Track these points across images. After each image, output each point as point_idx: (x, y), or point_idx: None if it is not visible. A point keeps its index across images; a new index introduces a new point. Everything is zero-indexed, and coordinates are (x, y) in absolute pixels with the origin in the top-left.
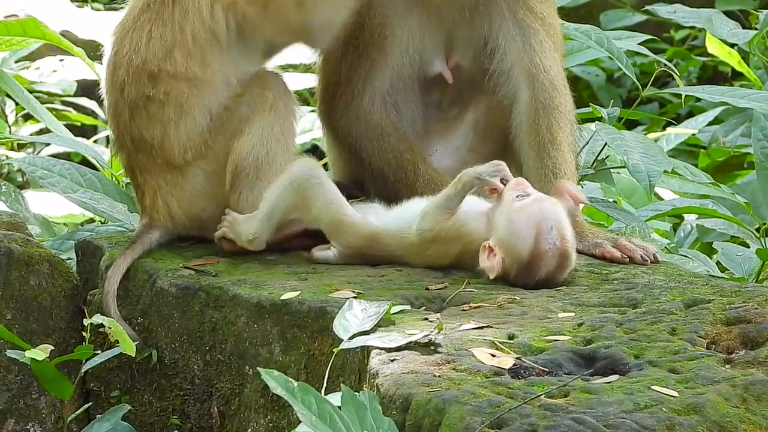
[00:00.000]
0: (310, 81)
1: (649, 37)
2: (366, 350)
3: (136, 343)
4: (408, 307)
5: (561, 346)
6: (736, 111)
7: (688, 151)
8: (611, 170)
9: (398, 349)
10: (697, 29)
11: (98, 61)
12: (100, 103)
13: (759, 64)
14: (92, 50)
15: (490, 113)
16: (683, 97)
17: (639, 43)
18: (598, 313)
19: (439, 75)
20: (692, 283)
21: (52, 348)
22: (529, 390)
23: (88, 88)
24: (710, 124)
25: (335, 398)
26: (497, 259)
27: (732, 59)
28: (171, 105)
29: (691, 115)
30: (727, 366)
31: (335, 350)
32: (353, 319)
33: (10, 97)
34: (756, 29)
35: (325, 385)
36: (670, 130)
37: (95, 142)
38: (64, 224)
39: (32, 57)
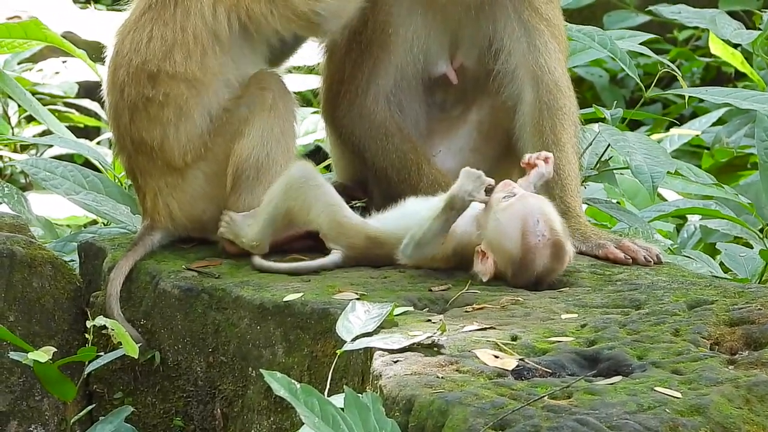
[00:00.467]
0: (313, 82)
1: (652, 37)
2: (369, 352)
3: (139, 345)
4: (411, 309)
5: (564, 348)
6: (739, 112)
7: (692, 152)
8: (614, 171)
9: (401, 350)
10: (701, 30)
11: (100, 62)
12: (103, 104)
13: (762, 65)
14: (95, 52)
15: (494, 114)
16: (686, 97)
17: (642, 44)
18: (601, 315)
19: (443, 75)
20: (695, 284)
21: (55, 350)
22: (532, 391)
23: (90, 90)
24: (713, 124)
25: (338, 400)
26: (489, 261)
27: (735, 60)
28: (170, 107)
29: (694, 115)
30: (730, 367)
31: (338, 352)
32: (356, 320)
33: (13, 99)
34: (760, 29)
35: (328, 386)
36: (673, 131)
37: (98, 143)
38: (67, 226)
39: (35, 59)
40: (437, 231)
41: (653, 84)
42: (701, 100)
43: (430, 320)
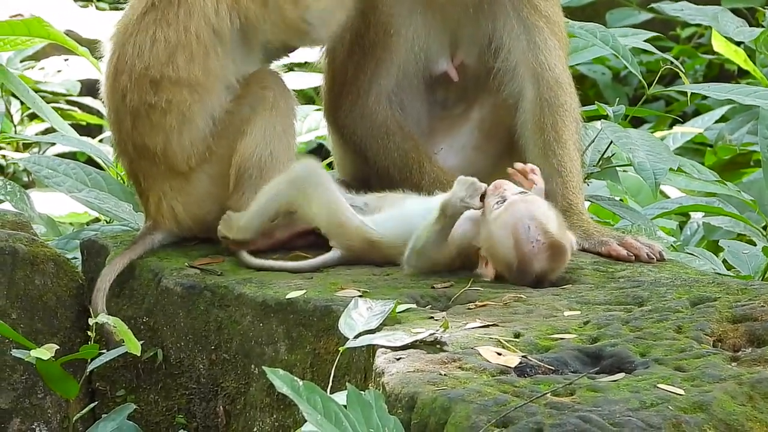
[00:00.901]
0: (316, 80)
1: (655, 34)
2: (371, 349)
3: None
4: (414, 306)
5: (567, 345)
6: (742, 109)
7: (695, 149)
8: (617, 168)
9: (404, 347)
10: (704, 27)
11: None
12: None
13: (765, 62)
14: (97, 50)
15: (496, 112)
16: (689, 95)
17: (645, 41)
18: (604, 312)
19: (444, 73)
20: (698, 281)
21: (58, 347)
22: (535, 388)
23: (92, 88)
24: (716, 122)
25: (341, 397)
26: (490, 266)
27: (738, 57)
28: (173, 113)
29: (697, 113)
30: (733, 364)
31: (341, 349)
32: (359, 317)
33: (16, 97)
34: (763, 27)
35: (330, 384)
36: (676, 128)
37: (100, 141)
38: (70, 224)
39: (37, 57)
40: (435, 239)
41: (656, 81)
42: (704, 98)
43: (432, 317)
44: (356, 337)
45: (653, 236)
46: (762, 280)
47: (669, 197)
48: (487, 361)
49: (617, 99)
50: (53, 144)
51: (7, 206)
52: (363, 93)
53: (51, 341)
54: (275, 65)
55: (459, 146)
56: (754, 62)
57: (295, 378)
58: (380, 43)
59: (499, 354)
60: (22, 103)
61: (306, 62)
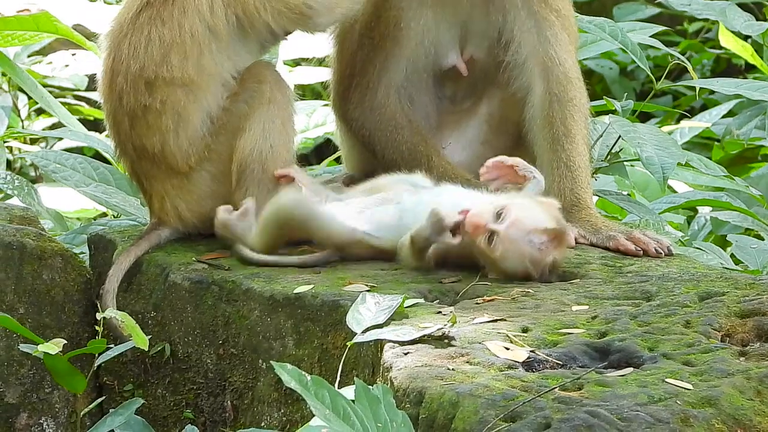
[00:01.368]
0: (323, 75)
1: (662, 29)
2: (379, 344)
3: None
4: (421, 301)
5: (575, 339)
6: (750, 103)
7: (702, 143)
8: (625, 163)
9: (412, 342)
10: (711, 22)
11: None
12: None
13: None
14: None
15: (504, 106)
16: (697, 89)
17: (652, 36)
18: (612, 306)
19: (453, 67)
20: (706, 275)
21: (65, 342)
22: (543, 383)
23: None
24: (724, 116)
25: (349, 392)
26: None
27: (745, 52)
28: (168, 114)
29: (704, 107)
30: (741, 359)
31: (348, 344)
32: (366, 312)
33: (23, 92)
34: None
35: (338, 378)
36: (683, 122)
37: (107, 136)
38: (77, 218)
39: (44, 51)
40: (415, 261)
41: (663, 76)
42: (712, 92)
43: (440, 312)
44: (364, 331)
45: (661, 231)
46: None
47: (677, 192)
48: (495, 355)
49: (624, 94)
50: (61, 139)
51: (14, 201)
52: (372, 86)
53: (58, 336)
54: (273, 59)
55: (467, 141)
56: (761, 56)
57: (303, 373)
58: (390, 36)
59: (507, 349)
60: (29, 97)
61: (313, 57)
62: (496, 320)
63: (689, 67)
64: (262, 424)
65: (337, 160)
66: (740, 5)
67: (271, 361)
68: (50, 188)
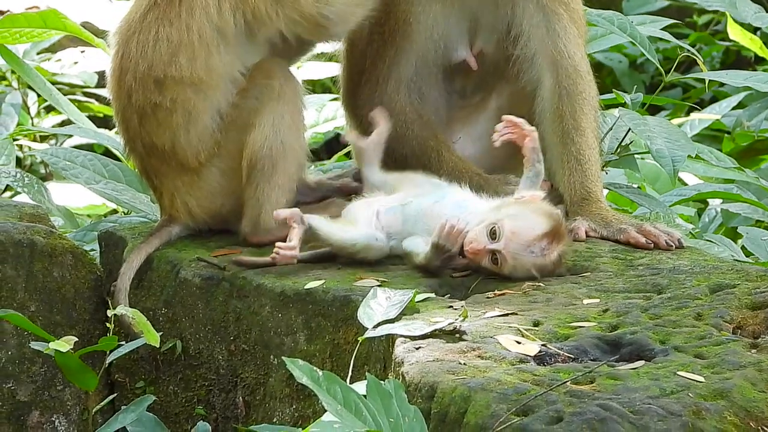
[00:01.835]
0: (333, 70)
1: (672, 21)
2: (391, 338)
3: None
4: (432, 295)
5: (586, 333)
6: (759, 95)
7: (712, 136)
8: (635, 156)
9: (423, 337)
10: (720, 14)
11: None
12: None
13: None
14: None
15: (514, 100)
16: (707, 82)
17: (662, 29)
18: (623, 299)
19: (462, 62)
20: (717, 268)
21: (76, 339)
22: (555, 377)
23: None
24: (734, 108)
25: (360, 387)
26: None
27: (754, 44)
28: (179, 112)
29: (714, 100)
30: (753, 351)
31: (360, 339)
32: (378, 307)
33: (33, 89)
34: None
35: (350, 373)
36: (693, 115)
37: (117, 133)
38: (87, 215)
39: (53, 48)
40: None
41: (673, 69)
42: (721, 85)
43: (451, 306)
44: (375, 326)
45: (672, 223)
46: None
47: (687, 184)
48: (507, 349)
49: (634, 86)
50: (70, 136)
51: (24, 198)
52: (382, 81)
53: (69, 333)
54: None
55: (477, 135)
56: None
57: (315, 368)
58: (399, 31)
59: (519, 342)
60: (38, 95)
61: (322, 52)
62: (507, 314)
63: (699, 60)
64: (274, 419)
65: (348, 155)
66: None
67: (282, 357)
68: (60, 185)
